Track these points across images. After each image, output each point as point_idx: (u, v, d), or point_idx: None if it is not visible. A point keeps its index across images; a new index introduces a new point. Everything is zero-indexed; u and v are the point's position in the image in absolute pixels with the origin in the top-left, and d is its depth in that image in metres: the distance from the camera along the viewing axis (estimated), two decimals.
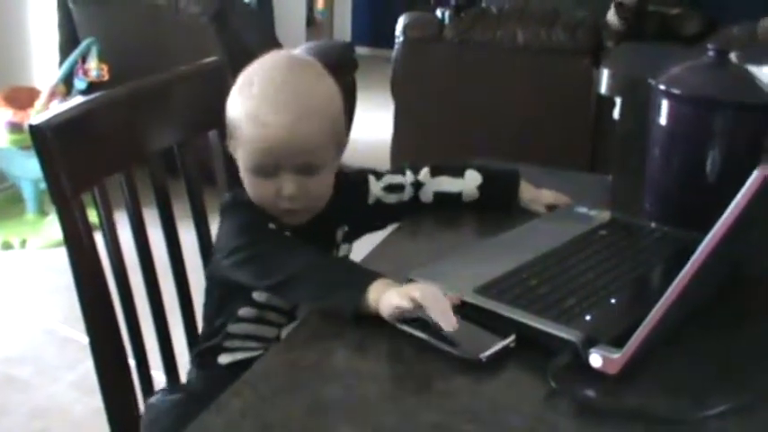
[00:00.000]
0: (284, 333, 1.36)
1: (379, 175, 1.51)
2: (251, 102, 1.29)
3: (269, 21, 4.93)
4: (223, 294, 1.41)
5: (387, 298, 1.11)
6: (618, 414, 0.96)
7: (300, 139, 1.28)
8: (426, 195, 1.52)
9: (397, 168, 1.54)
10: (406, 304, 1.08)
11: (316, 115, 1.29)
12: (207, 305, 1.45)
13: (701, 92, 1.37)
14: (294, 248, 1.27)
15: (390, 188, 1.50)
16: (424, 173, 1.52)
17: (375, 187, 1.50)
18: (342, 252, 1.45)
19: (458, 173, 1.52)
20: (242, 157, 1.33)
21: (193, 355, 1.52)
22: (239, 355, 1.42)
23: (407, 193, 1.51)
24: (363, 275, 1.17)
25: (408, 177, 1.52)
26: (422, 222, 1.50)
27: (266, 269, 1.26)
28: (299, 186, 1.30)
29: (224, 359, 1.43)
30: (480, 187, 1.50)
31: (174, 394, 1.49)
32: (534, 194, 1.51)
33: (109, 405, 1.39)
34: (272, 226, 1.32)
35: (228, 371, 1.40)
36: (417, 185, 1.51)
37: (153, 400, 1.48)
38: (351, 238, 1.47)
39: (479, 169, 1.52)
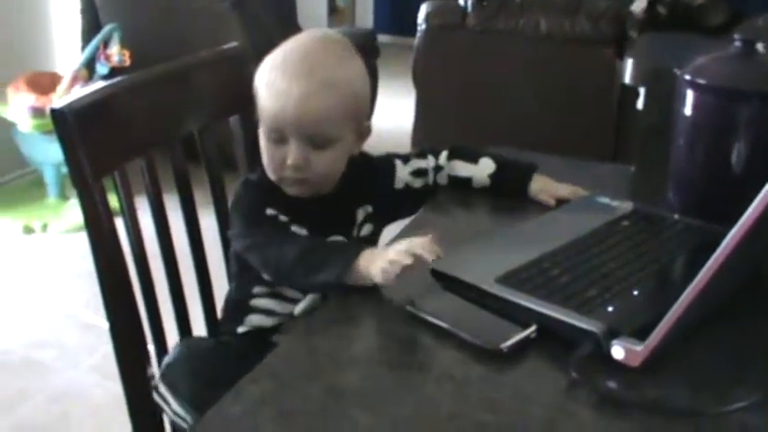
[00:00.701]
0: (297, 309, 1.37)
1: (405, 160, 1.52)
2: (273, 71, 1.32)
3: (290, 7, 4.92)
4: (241, 269, 1.43)
5: (376, 262, 1.15)
6: (639, 406, 0.95)
7: (311, 110, 1.29)
8: (442, 178, 1.54)
9: (420, 151, 1.55)
10: (393, 257, 1.12)
11: (333, 89, 1.30)
12: (230, 279, 1.50)
13: (726, 82, 1.35)
14: (287, 236, 1.30)
15: (417, 173, 1.52)
16: (443, 156, 1.53)
17: (402, 172, 1.51)
18: (364, 232, 1.44)
19: (473, 158, 1.53)
20: (261, 124, 1.35)
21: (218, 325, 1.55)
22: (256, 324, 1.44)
23: (431, 178, 1.53)
24: (352, 248, 1.20)
25: (431, 161, 1.53)
26: (441, 211, 1.49)
27: (263, 258, 1.31)
28: (303, 157, 1.31)
29: (241, 329, 1.45)
30: (492, 175, 1.51)
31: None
32: (546, 186, 1.50)
33: (128, 390, 1.40)
34: (270, 212, 1.33)
35: (244, 338, 1.44)
36: (437, 169, 1.53)
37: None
38: (377, 220, 1.47)
39: (495, 157, 1.53)
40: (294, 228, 1.33)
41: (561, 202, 1.47)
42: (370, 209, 1.45)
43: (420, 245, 1.15)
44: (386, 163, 1.51)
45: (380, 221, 1.48)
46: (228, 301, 1.51)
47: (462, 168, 1.53)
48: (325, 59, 1.32)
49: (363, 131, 1.40)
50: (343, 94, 1.31)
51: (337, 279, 1.17)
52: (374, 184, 1.47)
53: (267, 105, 1.32)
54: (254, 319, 1.44)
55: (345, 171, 1.39)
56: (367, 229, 1.45)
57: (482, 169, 1.51)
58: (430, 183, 1.53)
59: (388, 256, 1.14)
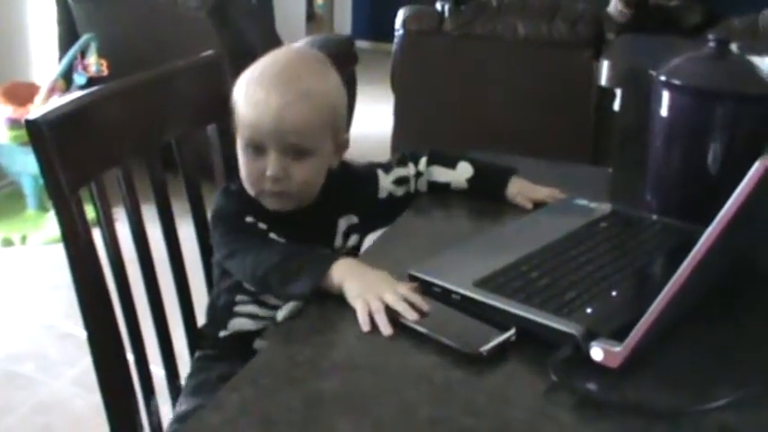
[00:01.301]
0: (280, 315, 1.36)
1: (387, 169, 1.53)
2: (251, 83, 1.33)
3: (269, 15, 4.92)
4: (223, 276, 1.44)
5: (353, 281, 1.15)
6: (619, 408, 0.95)
7: (289, 120, 1.29)
8: (422, 185, 1.55)
9: (400, 158, 1.56)
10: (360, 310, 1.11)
11: (310, 99, 1.30)
12: (213, 285, 1.50)
13: (702, 83, 1.36)
14: (265, 243, 1.30)
15: (399, 181, 1.53)
16: (423, 162, 1.54)
17: (385, 181, 1.52)
18: (350, 242, 1.46)
19: (451, 163, 1.54)
20: (238, 135, 1.35)
21: (200, 329, 1.56)
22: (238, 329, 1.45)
23: (412, 185, 1.54)
24: (326, 259, 1.20)
25: (411, 169, 1.54)
26: (419, 217, 1.50)
27: (242, 266, 1.31)
28: (282, 168, 1.31)
29: (223, 333, 1.46)
30: (470, 180, 1.52)
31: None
32: (523, 189, 1.50)
33: (108, 401, 1.38)
34: (249, 219, 1.33)
35: (227, 342, 1.46)
36: (418, 176, 1.54)
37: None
38: (362, 230, 1.48)
39: (473, 162, 1.53)
40: (273, 235, 1.33)
41: (539, 204, 1.48)
42: (355, 219, 1.46)
43: (403, 297, 1.12)
44: (369, 173, 1.52)
45: (365, 231, 1.49)
46: (211, 307, 1.51)
47: (441, 174, 1.54)
48: (302, 71, 1.34)
49: (341, 144, 1.41)
50: (321, 104, 1.32)
51: (310, 290, 1.18)
52: (357, 194, 1.48)
53: (245, 116, 1.32)
54: (237, 323, 1.44)
55: (326, 181, 1.39)
56: (353, 240, 1.46)
57: (460, 174, 1.52)
58: (411, 190, 1.54)
59: (381, 295, 1.12)
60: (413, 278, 1.17)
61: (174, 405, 1.53)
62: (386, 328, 1.08)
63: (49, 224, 3.62)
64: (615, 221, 1.38)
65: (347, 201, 1.46)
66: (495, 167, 1.54)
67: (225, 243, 1.35)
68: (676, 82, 1.37)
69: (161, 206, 1.51)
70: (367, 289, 1.14)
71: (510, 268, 1.17)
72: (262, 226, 1.33)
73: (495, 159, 1.56)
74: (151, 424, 1.47)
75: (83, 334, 1.34)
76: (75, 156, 1.29)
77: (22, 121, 3.39)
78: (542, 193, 1.49)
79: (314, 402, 0.95)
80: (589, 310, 1.07)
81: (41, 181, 3.57)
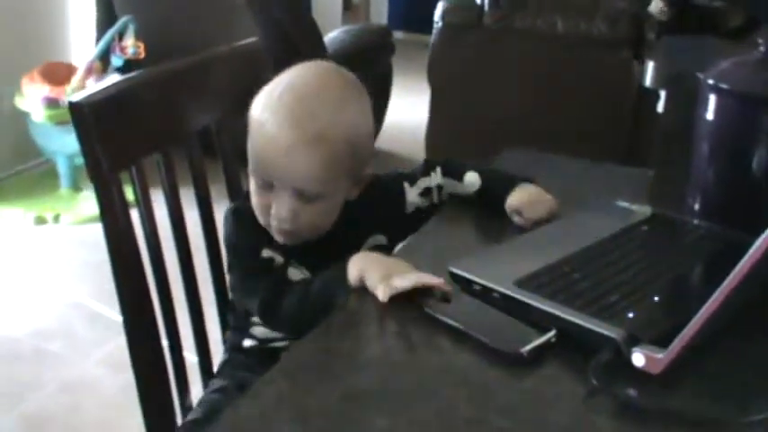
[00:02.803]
0: None
1: (412, 180, 1.45)
2: (266, 109, 1.24)
3: (306, 4, 4.91)
4: None
5: (371, 281, 1.13)
6: (660, 415, 0.93)
7: (301, 166, 1.22)
8: (444, 196, 1.48)
9: (425, 168, 1.48)
10: (385, 298, 1.10)
11: (323, 142, 1.21)
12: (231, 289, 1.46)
13: (750, 88, 1.34)
14: (281, 290, 1.25)
15: (424, 193, 1.46)
16: (439, 172, 1.47)
17: (411, 195, 1.45)
18: None
19: (458, 176, 1.46)
20: (249, 159, 1.29)
21: (225, 340, 1.52)
22: (263, 344, 1.42)
23: (435, 197, 1.47)
24: (336, 268, 1.18)
25: (433, 179, 1.46)
26: (457, 214, 1.47)
27: (261, 312, 1.28)
28: (289, 210, 1.25)
29: (248, 343, 1.44)
30: (478, 192, 1.44)
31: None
32: (523, 202, 1.38)
33: (141, 384, 1.39)
34: (265, 254, 1.28)
35: (252, 355, 1.43)
36: (439, 188, 1.47)
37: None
38: (390, 249, 1.41)
39: (482, 173, 1.45)
40: (291, 269, 1.29)
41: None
42: (382, 239, 1.40)
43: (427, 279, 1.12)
44: (395, 187, 1.45)
45: (392, 250, 1.42)
46: (232, 311, 1.48)
47: (451, 186, 1.46)
48: (320, 105, 1.23)
49: (361, 178, 1.33)
50: (336, 145, 1.23)
51: (345, 295, 1.16)
52: (384, 212, 1.41)
53: (254, 147, 1.25)
54: (259, 331, 1.42)
55: (350, 201, 1.33)
56: None
57: (467, 186, 1.44)
58: (435, 201, 1.47)
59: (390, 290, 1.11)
60: (453, 275, 1.15)
61: (204, 389, 1.52)
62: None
63: (82, 204, 3.64)
64: (656, 225, 1.36)
65: (374, 220, 1.39)
66: (500, 178, 1.43)
67: (242, 281, 1.32)
68: (724, 86, 1.35)
69: (199, 191, 1.51)
70: (387, 275, 1.12)
71: (551, 269, 1.16)
72: (279, 260, 1.28)
73: (527, 159, 1.52)
74: (183, 408, 1.47)
75: (112, 314, 1.35)
76: (117, 139, 1.30)
77: (59, 100, 3.44)
78: (540, 211, 1.37)
79: (349, 398, 0.94)
80: (631, 315, 1.05)
81: (76, 160, 3.64)
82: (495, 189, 1.41)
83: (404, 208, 1.44)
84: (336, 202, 1.30)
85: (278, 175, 1.24)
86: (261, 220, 1.30)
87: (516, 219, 1.37)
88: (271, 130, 1.22)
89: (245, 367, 1.44)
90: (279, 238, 1.30)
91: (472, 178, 1.44)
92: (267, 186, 1.26)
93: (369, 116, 1.31)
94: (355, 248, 1.34)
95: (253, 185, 1.29)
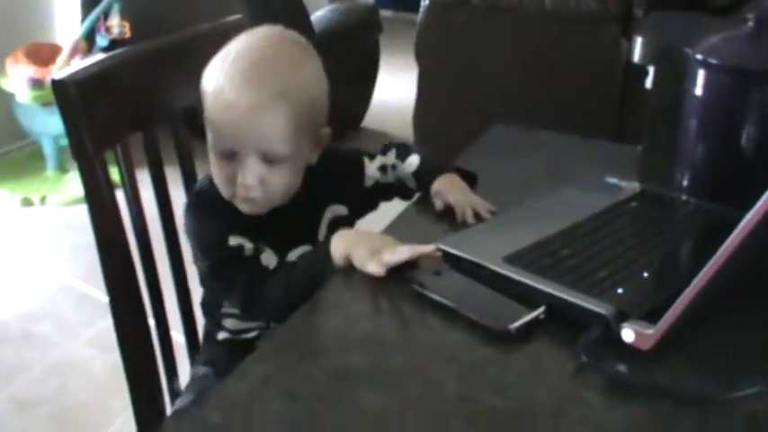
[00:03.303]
0: None
1: (371, 157, 1.44)
2: (221, 76, 1.21)
3: None
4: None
5: (359, 259, 1.13)
6: (649, 391, 0.93)
7: (263, 126, 1.20)
8: (394, 177, 1.45)
9: (383, 147, 1.47)
10: (380, 272, 1.11)
11: (287, 100, 1.20)
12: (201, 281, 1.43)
13: (739, 62, 1.33)
14: (259, 276, 1.24)
15: (382, 168, 1.44)
16: (393, 154, 1.45)
17: (370, 169, 1.43)
18: None
19: (404, 155, 1.44)
20: (207, 132, 1.26)
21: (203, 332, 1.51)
22: (235, 335, 1.41)
23: (390, 175, 1.45)
24: (320, 247, 1.19)
25: (389, 158, 1.44)
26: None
27: (244, 304, 1.28)
28: (257, 176, 1.22)
29: (222, 336, 1.43)
30: (414, 173, 1.42)
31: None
32: (444, 188, 1.35)
33: (128, 364, 1.38)
34: (233, 243, 1.25)
35: (226, 347, 1.41)
36: (393, 167, 1.45)
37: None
38: (350, 222, 1.40)
39: (422, 158, 1.43)
40: (260, 249, 1.27)
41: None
42: (343, 210, 1.39)
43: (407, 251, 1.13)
44: (354, 159, 1.43)
45: (353, 223, 1.42)
46: (203, 305, 1.47)
47: (399, 167, 1.44)
48: (277, 64, 1.22)
49: (320, 139, 1.31)
50: (299, 103, 1.22)
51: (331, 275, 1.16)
52: (344, 182, 1.40)
53: (214, 118, 1.22)
54: (230, 323, 1.40)
55: (308, 170, 1.31)
56: None
57: (407, 167, 1.42)
58: (390, 180, 1.45)
59: (376, 269, 1.12)
60: (442, 252, 1.15)
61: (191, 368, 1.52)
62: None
63: (69, 185, 3.62)
64: (646, 201, 1.36)
65: (333, 189, 1.38)
66: (435, 164, 1.41)
67: (214, 274, 1.29)
68: (713, 61, 1.34)
69: (185, 170, 1.50)
70: (375, 251, 1.12)
71: (540, 245, 1.16)
72: (248, 246, 1.26)
73: (515, 135, 1.51)
74: (171, 388, 1.47)
75: (100, 296, 1.34)
76: (101, 117, 1.28)
77: (44, 81, 3.42)
78: (461, 200, 1.32)
79: (338, 376, 0.94)
80: (620, 291, 1.05)
81: (61, 142, 3.61)
82: (426, 172, 1.40)
83: (363, 180, 1.43)
84: (300, 164, 1.28)
85: (241, 140, 1.21)
86: (224, 192, 1.26)
87: (437, 202, 1.35)
88: (229, 96, 1.19)
89: (223, 358, 1.42)
90: (244, 208, 1.27)
91: (413, 160, 1.42)
92: (230, 156, 1.23)
93: (323, 78, 1.28)
94: (315, 219, 1.35)
95: (213, 159, 1.26)
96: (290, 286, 1.21)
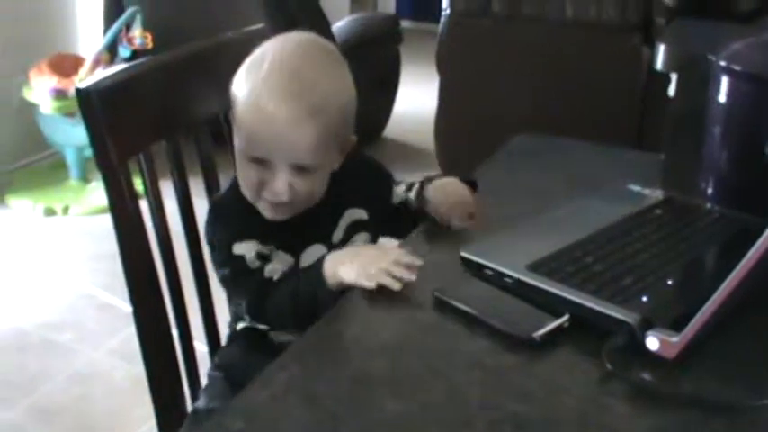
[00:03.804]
0: None
1: (396, 183, 1.44)
2: (256, 84, 1.21)
3: None
4: None
5: (346, 273, 1.15)
6: (674, 399, 0.92)
7: (300, 139, 1.20)
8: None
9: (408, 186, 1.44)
10: (368, 284, 1.12)
11: (322, 114, 1.20)
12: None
13: (763, 69, 1.32)
14: (257, 290, 1.26)
15: (409, 188, 1.42)
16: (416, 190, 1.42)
17: (399, 188, 1.42)
18: (361, 241, 1.37)
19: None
20: (237, 137, 1.26)
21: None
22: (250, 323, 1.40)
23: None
24: (314, 268, 1.20)
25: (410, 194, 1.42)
26: None
27: (240, 304, 1.30)
28: (287, 184, 1.23)
29: (240, 325, 1.42)
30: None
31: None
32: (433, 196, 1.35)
33: (151, 374, 1.38)
34: (238, 251, 1.26)
35: (242, 345, 1.42)
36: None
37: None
38: (372, 229, 1.39)
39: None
40: (266, 257, 1.28)
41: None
42: (363, 214, 1.37)
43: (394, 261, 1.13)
44: (386, 175, 1.43)
45: (375, 232, 1.40)
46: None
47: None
48: (314, 77, 1.22)
49: (347, 146, 1.31)
50: (332, 116, 1.22)
51: (324, 297, 1.17)
52: (369, 187, 1.39)
53: (249, 126, 1.22)
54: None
55: (333, 172, 1.31)
56: (362, 239, 1.37)
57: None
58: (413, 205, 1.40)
59: (364, 282, 1.13)
60: (465, 260, 1.15)
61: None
62: (396, 284, 1.11)
63: (91, 195, 3.64)
64: (669, 209, 1.35)
65: (355, 193, 1.36)
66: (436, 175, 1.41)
67: (224, 283, 1.32)
68: (737, 67, 1.34)
69: (208, 180, 1.50)
70: (361, 269, 1.13)
71: (563, 253, 1.15)
72: (250, 256, 1.26)
73: (539, 144, 1.51)
74: (193, 398, 1.47)
75: (122, 305, 1.34)
76: (124, 125, 1.29)
77: (67, 92, 3.44)
78: (452, 211, 1.33)
79: (361, 382, 0.94)
80: (645, 299, 1.04)
81: (84, 152, 3.64)
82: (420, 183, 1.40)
83: (390, 196, 1.42)
84: (328, 171, 1.29)
85: (275, 151, 1.21)
86: (249, 196, 1.27)
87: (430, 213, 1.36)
88: (268, 107, 1.19)
89: (236, 357, 1.42)
90: (268, 214, 1.27)
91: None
92: (260, 163, 1.23)
93: (351, 82, 1.28)
94: (333, 220, 1.34)
95: (242, 162, 1.26)
96: (291, 303, 1.22)
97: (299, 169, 1.23)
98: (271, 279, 1.26)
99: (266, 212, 1.28)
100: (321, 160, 1.24)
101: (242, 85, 1.24)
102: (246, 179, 1.26)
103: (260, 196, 1.26)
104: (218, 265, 1.32)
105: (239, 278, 1.28)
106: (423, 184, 1.39)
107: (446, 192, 1.36)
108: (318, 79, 1.22)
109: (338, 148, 1.28)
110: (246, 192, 1.27)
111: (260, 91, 1.20)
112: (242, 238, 1.27)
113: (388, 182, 1.43)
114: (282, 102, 1.19)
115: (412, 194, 1.40)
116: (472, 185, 1.38)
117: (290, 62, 1.23)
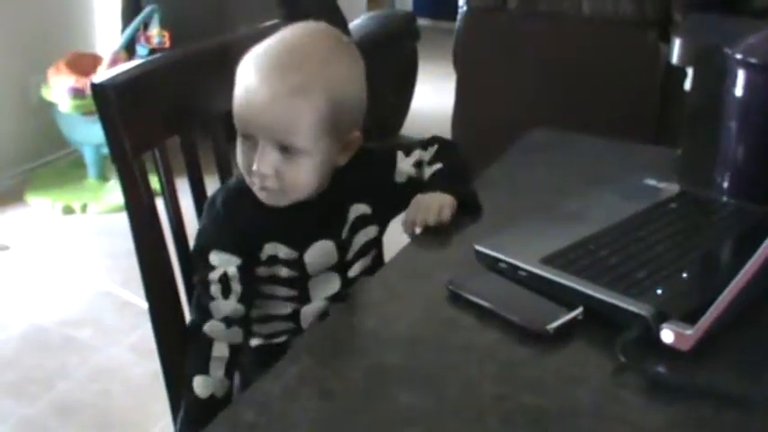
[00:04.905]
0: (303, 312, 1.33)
1: (408, 151, 1.41)
2: (250, 61, 1.22)
3: None
4: None
5: None
6: (688, 391, 0.92)
7: (278, 115, 1.18)
8: (426, 173, 1.42)
9: (425, 142, 1.44)
10: None
11: (306, 95, 1.18)
12: None
13: None
14: (206, 308, 1.27)
15: (419, 164, 1.41)
16: (433, 150, 1.42)
17: (404, 164, 1.40)
18: (363, 237, 1.36)
19: (435, 160, 1.42)
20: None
21: None
22: (264, 340, 1.40)
23: (424, 171, 1.41)
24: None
25: (426, 154, 1.42)
26: (483, 191, 1.45)
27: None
28: (271, 165, 1.20)
29: (255, 342, 1.41)
30: (431, 177, 1.39)
31: None
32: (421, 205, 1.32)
33: (167, 371, 1.38)
34: (213, 259, 1.27)
35: (257, 355, 1.40)
36: (429, 164, 1.42)
37: None
38: (376, 221, 1.38)
39: (440, 168, 1.40)
40: (270, 245, 1.28)
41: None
42: (366, 209, 1.35)
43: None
44: (386, 156, 1.41)
45: (381, 222, 1.39)
46: None
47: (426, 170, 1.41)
48: (306, 59, 1.20)
49: (349, 143, 1.28)
50: (319, 102, 1.19)
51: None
52: (371, 179, 1.36)
53: (235, 101, 1.22)
54: (258, 329, 1.39)
55: (339, 168, 1.29)
56: (367, 234, 1.36)
57: (427, 171, 1.40)
58: (424, 177, 1.41)
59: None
60: (479, 253, 1.14)
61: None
62: None
63: (110, 193, 3.66)
64: (685, 202, 1.34)
65: (358, 188, 1.34)
66: (446, 179, 1.37)
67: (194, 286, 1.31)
68: (753, 60, 1.33)
69: (223, 175, 1.50)
70: None
71: (578, 246, 1.15)
72: (216, 276, 1.27)
73: (554, 138, 1.50)
74: None
75: (140, 302, 1.34)
76: (139, 120, 1.29)
77: (85, 90, 3.45)
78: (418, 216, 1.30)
79: (375, 374, 0.94)
80: (659, 292, 1.04)
81: (102, 150, 3.65)
82: (427, 183, 1.38)
83: (393, 176, 1.39)
84: (320, 162, 1.24)
85: (258, 126, 1.20)
86: (246, 179, 1.26)
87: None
88: (254, 82, 1.19)
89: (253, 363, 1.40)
90: (261, 197, 1.26)
91: (435, 167, 1.40)
92: (251, 142, 1.22)
93: (359, 80, 1.26)
94: (340, 217, 1.33)
95: (239, 146, 1.25)
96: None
97: (285, 151, 1.20)
98: (205, 336, 1.27)
99: (259, 195, 1.26)
100: (306, 145, 1.21)
101: (240, 66, 1.24)
102: (241, 162, 1.26)
103: (252, 179, 1.25)
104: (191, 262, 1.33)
105: (201, 291, 1.29)
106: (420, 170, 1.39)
107: (419, 205, 1.31)
108: (309, 61, 1.20)
109: (335, 140, 1.25)
110: (244, 175, 1.26)
111: (251, 68, 1.21)
112: (225, 246, 1.27)
113: (390, 163, 1.40)
114: (267, 77, 1.18)
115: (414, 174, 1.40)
116: (469, 201, 1.36)
117: (286, 43, 1.23)
